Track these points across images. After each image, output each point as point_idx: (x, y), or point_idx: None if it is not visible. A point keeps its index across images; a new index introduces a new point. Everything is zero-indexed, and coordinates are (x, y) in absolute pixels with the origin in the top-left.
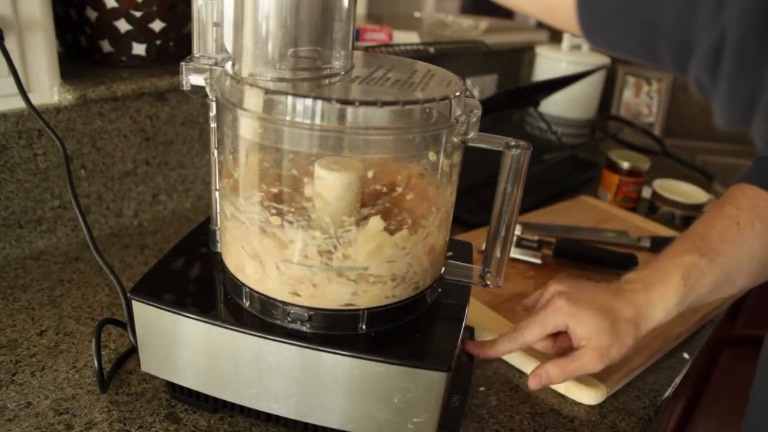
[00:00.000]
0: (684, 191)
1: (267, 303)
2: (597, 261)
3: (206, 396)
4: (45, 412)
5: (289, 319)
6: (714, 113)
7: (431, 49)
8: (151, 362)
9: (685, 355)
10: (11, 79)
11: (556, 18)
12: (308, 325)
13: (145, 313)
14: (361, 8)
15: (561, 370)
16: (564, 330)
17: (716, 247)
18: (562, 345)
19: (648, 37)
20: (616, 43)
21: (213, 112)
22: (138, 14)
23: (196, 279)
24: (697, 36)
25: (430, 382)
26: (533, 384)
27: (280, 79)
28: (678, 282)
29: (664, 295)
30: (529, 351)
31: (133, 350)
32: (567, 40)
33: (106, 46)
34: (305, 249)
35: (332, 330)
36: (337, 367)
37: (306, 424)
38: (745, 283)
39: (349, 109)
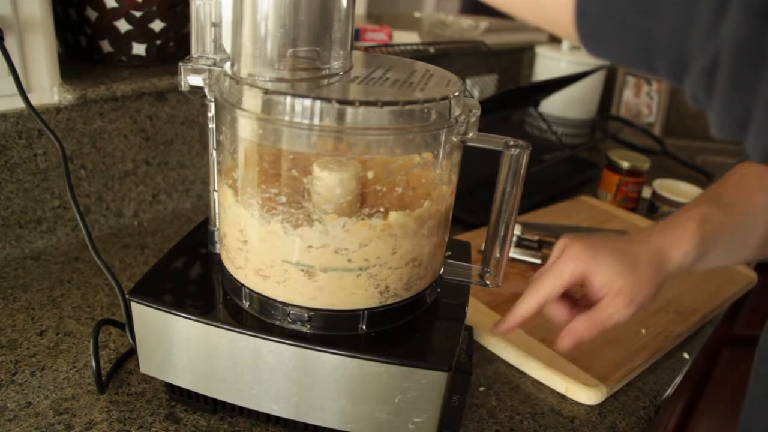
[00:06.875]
0: (684, 191)
1: (267, 304)
2: None
3: (205, 397)
4: (45, 412)
5: (289, 319)
6: (710, 123)
7: (431, 49)
8: (150, 364)
9: (685, 355)
10: (11, 79)
11: (554, 26)
12: (308, 326)
13: (143, 314)
14: (361, 8)
15: (590, 322)
16: (580, 282)
17: (731, 203)
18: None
19: (646, 50)
20: (614, 54)
21: (211, 113)
22: (138, 14)
23: (195, 280)
24: (693, 53)
25: (430, 382)
26: (567, 343)
27: (279, 80)
28: (694, 228)
29: (682, 237)
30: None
31: (133, 350)
32: (567, 41)
33: (106, 46)
34: (304, 249)
35: (332, 330)
36: (338, 368)
37: (306, 425)
38: (756, 245)
39: (349, 110)
